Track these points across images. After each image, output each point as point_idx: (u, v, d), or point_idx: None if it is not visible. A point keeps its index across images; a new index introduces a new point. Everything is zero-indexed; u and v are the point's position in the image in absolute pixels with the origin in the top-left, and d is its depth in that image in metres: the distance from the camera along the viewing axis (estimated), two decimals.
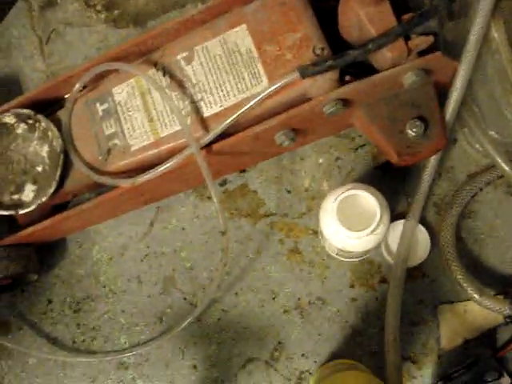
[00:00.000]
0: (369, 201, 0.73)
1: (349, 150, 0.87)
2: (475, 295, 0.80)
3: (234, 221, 0.87)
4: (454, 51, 0.80)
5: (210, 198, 0.88)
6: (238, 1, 0.80)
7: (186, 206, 0.88)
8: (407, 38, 0.74)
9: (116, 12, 0.95)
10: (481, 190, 0.85)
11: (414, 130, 0.77)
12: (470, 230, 0.84)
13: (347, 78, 0.77)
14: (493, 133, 0.83)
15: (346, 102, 0.75)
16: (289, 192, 0.87)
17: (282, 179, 0.87)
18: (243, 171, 0.88)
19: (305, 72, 0.71)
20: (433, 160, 0.82)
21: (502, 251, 0.83)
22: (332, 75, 0.73)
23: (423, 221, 0.84)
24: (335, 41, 0.78)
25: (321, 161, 0.87)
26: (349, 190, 0.72)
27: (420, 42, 0.74)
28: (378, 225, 0.72)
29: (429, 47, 0.76)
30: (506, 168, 0.81)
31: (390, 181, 0.84)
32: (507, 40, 0.77)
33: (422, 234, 0.83)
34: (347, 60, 0.71)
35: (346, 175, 0.86)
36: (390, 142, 0.78)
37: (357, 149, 0.87)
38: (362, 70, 0.77)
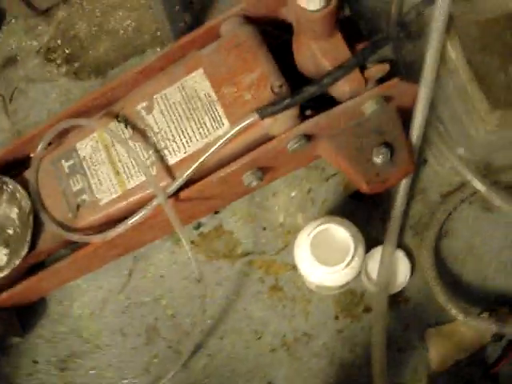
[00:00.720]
0: (342, 234, 0.72)
1: (320, 180, 0.87)
2: (460, 316, 0.79)
3: (212, 263, 0.86)
4: (414, 72, 0.79)
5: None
6: (194, 45, 0.80)
7: (162, 253, 0.88)
8: (363, 68, 0.73)
9: (76, 64, 0.95)
10: (455, 208, 0.84)
11: (381, 157, 0.76)
12: (449, 249, 0.84)
13: (308, 112, 0.76)
14: (461, 151, 0.82)
15: (309, 137, 0.75)
16: (264, 229, 0.86)
17: (256, 217, 0.87)
18: (217, 212, 0.87)
19: (263, 113, 0.71)
20: (404, 184, 0.82)
21: (483, 268, 0.83)
22: (292, 112, 0.73)
23: (401, 245, 0.83)
24: (295, 73, 0.77)
25: (293, 194, 0.87)
26: (320, 224, 0.72)
27: (376, 70, 0.73)
28: (352, 258, 0.71)
29: (387, 73, 0.76)
30: (478, 184, 0.81)
31: (365, 208, 0.84)
32: (465, 59, 0.77)
33: (401, 258, 0.82)
34: (304, 97, 0.71)
35: (320, 206, 0.86)
36: (358, 172, 0.77)
37: (328, 179, 0.86)
38: (323, 101, 0.77)
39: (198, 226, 0.87)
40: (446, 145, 0.83)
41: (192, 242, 0.87)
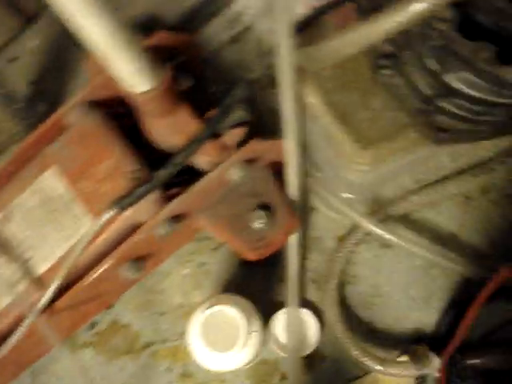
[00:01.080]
0: (232, 314, 0.67)
1: (211, 251, 0.82)
2: (377, 366, 0.74)
3: (114, 363, 0.80)
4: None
5: (84, 344, 0.80)
6: (42, 142, 0.74)
7: (61, 362, 0.81)
8: (219, 135, 0.69)
9: None
10: (353, 252, 0.80)
11: (259, 221, 0.72)
12: (356, 295, 0.80)
13: (173, 191, 0.71)
14: (346, 194, 0.79)
15: (179, 217, 0.70)
16: (162, 314, 0.81)
17: (151, 303, 0.81)
18: (110, 307, 0.81)
19: (121, 205, 0.65)
20: (294, 239, 0.77)
21: (394, 307, 0.79)
22: (153, 196, 0.68)
23: (305, 302, 0.78)
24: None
25: (185, 272, 0.82)
26: (209, 308, 0.67)
27: (232, 137, 0.69)
28: (246, 338, 0.66)
29: (250, 133, 0.72)
30: (367, 224, 0.77)
31: (262, 270, 0.79)
32: (324, 102, 0.74)
33: (308, 317, 0.78)
34: (160, 180, 0.66)
35: (216, 279, 0.81)
36: (240, 241, 0.73)
37: (218, 248, 0.81)
38: (189, 174, 0.72)
39: (92, 325, 0.81)
40: (328, 190, 0.78)
41: (89, 344, 0.80)
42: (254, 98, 0.78)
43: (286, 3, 0.68)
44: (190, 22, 0.90)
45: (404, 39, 0.66)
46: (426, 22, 0.56)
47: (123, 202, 0.67)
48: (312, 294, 0.80)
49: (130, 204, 0.67)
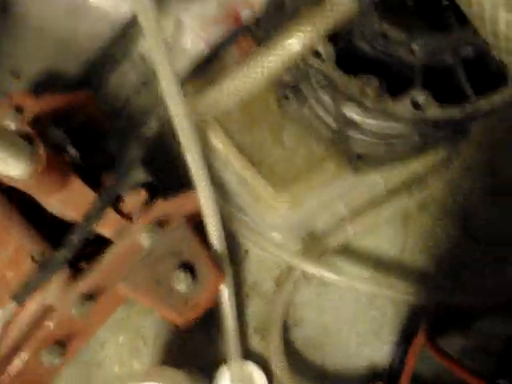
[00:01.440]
0: None
1: (144, 312, 0.77)
2: None
3: None
4: None
5: None
6: None
7: None
8: (119, 201, 0.64)
9: None
10: (292, 294, 0.75)
11: (182, 283, 0.67)
12: (304, 338, 0.75)
13: (83, 265, 0.66)
14: (274, 235, 0.74)
15: (93, 294, 0.65)
16: None
17: (90, 377, 0.76)
18: None
19: (20, 298, 0.60)
20: (226, 292, 0.72)
21: (344, 345, 0.74)
22: (61, 275, 0.63)
23: (250, 354, 0.74)
24: None
25: (121, 339, 0.76)
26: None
27: (134, 201, 0.64)
28: None
29: (156, 193, 0.66)
30: (303, 265, 0.72)
31: (201, 326, 0.74)
32: (233, 146, 0.68)
33: (253, 369, 0.73)
34: (61, 261, 0.61)
35: (153, 345, 0.76)
36: (164, 307, 0.68)
37: (151, 310, 0.76)
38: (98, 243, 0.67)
39: None
40: (257, 233, 0.73)
41: None
42: (153, 153, 0.73)
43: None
44: (94, 75, 0.85)
45: (299, 70, 0.61)
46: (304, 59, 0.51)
47: (22, 295, 0.62)
48: (256, 344, 0.75)
49: (30, 293, 0.61)
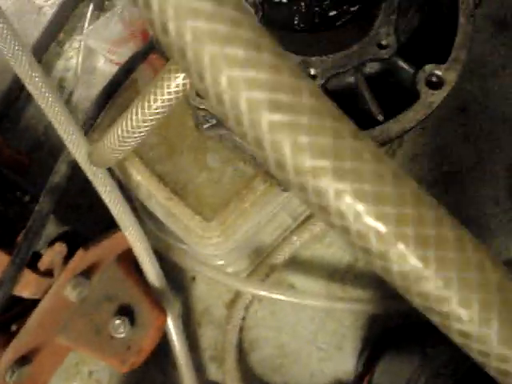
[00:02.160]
0: None
1: None
2: None
3: None
4: None
5: None
6: None
7: None
8: (38, 258, 0.59)
9: None
10: (244, 317, 0.71)
11: (121, 329, 0.63)
12: (261, 361, 0.71)
13: (14, 327, 0.62)
14: (216, 261, 0.69)
15: (29, 355, 0.61)
16: None
17: None
18: None
19: None
20: (172, 326, 0.68)
21: (305, 364, 0.71)
22: None
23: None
24: None
25: None
26: None
27: (51, 256, 0.59)
28: None
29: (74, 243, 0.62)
30: (251, 289, 0.68)
31: (154, 362, 0.71)
32: (153, 175, 0.63)
33: None
34: None
35: None
36: (107, 356, 0.64)
37: None
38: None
39: None
40: (198, 261, 0.69)
41: None
42: (74, 197, 0.68)
43: None
44: (7, 109, 0.79)
45: None
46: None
47: None
48: (213, 374, 0.71)
49: None
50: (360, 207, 0.16)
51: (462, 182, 0.74)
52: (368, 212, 0.16)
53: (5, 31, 0.47)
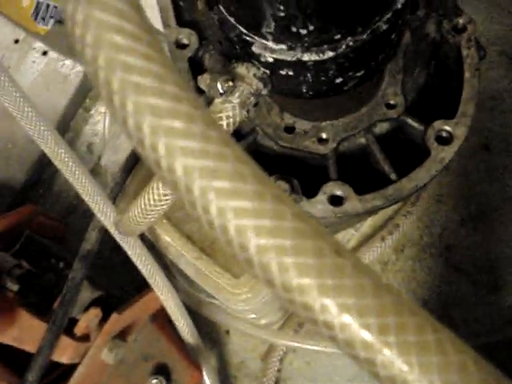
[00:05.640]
0: None
1: None
2: None
3: None
4: None
5: None
6: None
7: None
8: (75, 323, 0.61)
9: None
10: (280, 369, 0.71)
11: None
12: None
13: None
14: (248, 315, 0.70)
15: None
16: None
17: None
18: None
19: None
20: (208, 382, 0.69)
21: None
22: None
23: None
24: None
25: None
26: None
27: (87, 321, 0.61)
28: None
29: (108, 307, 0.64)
30: (285, 342, 0.69)
31: None
32: (181, 236, 0.65)
33: None
34: None
35: None
36: None
37: None
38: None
39: None
40: (231, 316, 0.70)
41: None
42: (108, 260, 0.70)
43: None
44: (39, 175, 0.83)
45: None
46: None
47: None
48: None
49: None
50: (345, 319, 0.17)
51: (489, 220, 0.74)
52: (353, 323, 0.17)
53: (30, 114, 0.50)
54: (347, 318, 0.16)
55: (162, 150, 0.16)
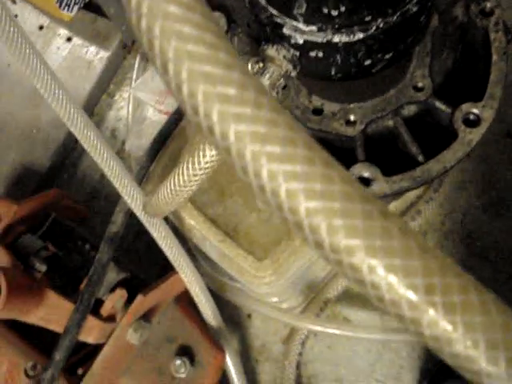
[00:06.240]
0: None
1: None
2: None
3: None
4: None
5: None
6: None
7: None
8: (101, 304, 0.63)
9: None
10: (301, 353, 0.72)
11: (182, 370, 0.65)
12: None
13: (79, 370, 0.65)
14: (270, 299, 0.71)
15: None
16: None
17: None
18: None
19: None
20: (230, 364, 0.70)
21: None
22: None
23: None
24: None
25: None
26: None
27: (113, 302, 0.62)
28: None
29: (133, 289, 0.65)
30: (307, 325, 0.70)
31: None
32: (205, 219, 0.66)
33: None
34: (50, 378, 0.59)
35: None
36: None
37: None
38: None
39: None
40: (252, 299, 0.71)
41: None
42: (131, 243, 0.71)
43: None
44: (63, 160, 0.84)
45: None
46: None
47: None
48: None
49: None
50: (392, 280, 0.18)
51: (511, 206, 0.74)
52: (399, 284, 0.18)
53: (60, 96, 0.51)
54: (394, 279, 0.17)
55: (215, 117, 0.17)
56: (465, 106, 0.45)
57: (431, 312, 0.17)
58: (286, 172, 0.17)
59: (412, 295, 0.17)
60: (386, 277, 0.17)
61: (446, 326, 0.17)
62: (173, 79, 0.17)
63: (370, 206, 0.17)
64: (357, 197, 0.17)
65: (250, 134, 0.16)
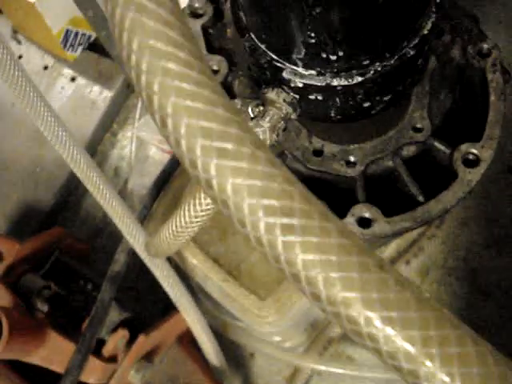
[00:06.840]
0: None
1: None
2: None
3: None
4: None
5: None
6: None
7: None
8: (102, 344, 0.62)
9: None
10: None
11: None
12: None
13: None
14: (273, 338, 0.71)
15: None
16: None
17: None
18: None
19: None
20: None
21: None
22: None
23: None
24: None
25: None
26: None
27: (115, 342, 0.62)
28: None
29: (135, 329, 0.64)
30: (310, 364, 0.69)
31: None
32: (207, 258, 0.66)
33: None
34: None
35: None
36: None
37: None
38: None
39: None
40: (255, 338, 0.70)
41: None
42: (133, 282, 0.71)
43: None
44: (67, 199, 0.84)
45: None
46: None
47: None
48: None
49: None
50: (389, 332, 0.18)
51: None
52: (396, 336, 0.18)
53: (63, 138, 0.51)
54: (391, 331, 0.17)
55: (214, 171, 0.17)
56: (464, 147, 0.45)
57: (428, 364, 0.17)
58: (283, 225, 0.17)
59: (409, 347, 0.17)
60: (383, 329, 0.17)
61: (443, 377, 0.17)
62: (171, 134, 0.17)
63: (366, 257, 0.17)
64: (353, 249, 0.17)
65: (247, 187, 0.17)
